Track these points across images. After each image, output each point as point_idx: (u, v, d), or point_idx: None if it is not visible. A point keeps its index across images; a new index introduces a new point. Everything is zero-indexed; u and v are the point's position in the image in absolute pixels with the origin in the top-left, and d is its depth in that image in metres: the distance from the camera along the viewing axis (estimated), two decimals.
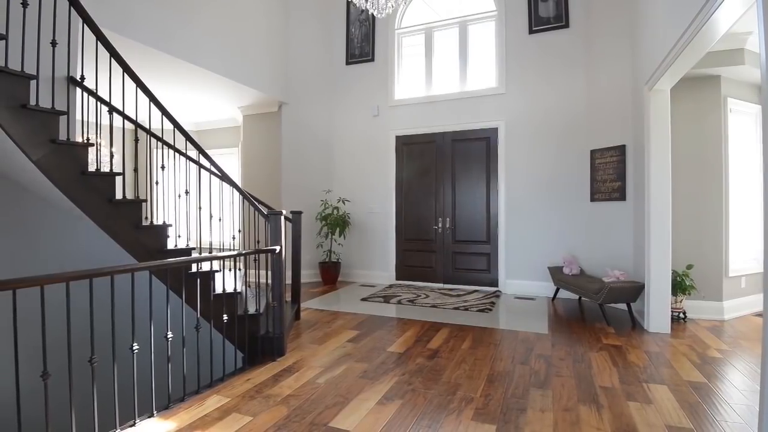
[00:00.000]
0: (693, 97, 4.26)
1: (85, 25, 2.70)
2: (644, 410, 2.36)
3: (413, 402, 2.46)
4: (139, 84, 2.84)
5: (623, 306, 4.50)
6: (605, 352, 3.30)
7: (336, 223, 5.98)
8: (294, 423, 2.22)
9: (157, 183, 3.35)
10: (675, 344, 3.47)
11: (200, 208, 3.51)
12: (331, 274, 6.08)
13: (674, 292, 3.98)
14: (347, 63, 6.45)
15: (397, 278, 6.17)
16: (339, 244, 6.34)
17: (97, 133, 3.47)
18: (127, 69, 2.80)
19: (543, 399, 2.49)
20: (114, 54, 2.77)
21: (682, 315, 4.12)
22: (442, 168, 5.91)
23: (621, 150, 4.57)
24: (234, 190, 3.34)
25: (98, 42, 2.75)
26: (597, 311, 4.51)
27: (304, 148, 6.39)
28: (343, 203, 6.26)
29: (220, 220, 3.89)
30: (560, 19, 5.22)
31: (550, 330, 3.86)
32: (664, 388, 2.66)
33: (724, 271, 4.20)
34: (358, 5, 3.61)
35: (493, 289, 5.60)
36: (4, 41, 2.36)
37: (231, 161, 7.47)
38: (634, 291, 3.97)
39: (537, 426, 2.18)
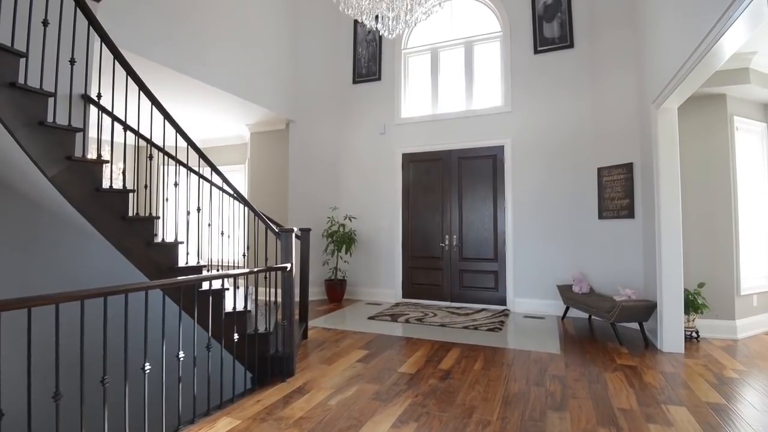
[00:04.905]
0: (699, 116, 4.29)
1: (103, 43, 2.73)
2: None
3: (429, 425, 2.40)
4: (155, 102, 2.87)
5: (635, 325, 4.45)
6: (620, 372, 3.24)
7: (342, 240, 5.96)
8: None
9: (166, 200, 3.35)
10: (690, 364, 3.41)
11: (210, 224, 3.50)
12: (336, 291, 6.03)
13: (686, 311, 3.93)
14: (354, 82, 6.53)
15: (404, 296, 6.11)
16: (345, 261, 6.30)
17: (111, 151, 3.48)
18: (143, 87, 2.83)
19: (561, 422, 2.43)
20: (130, 72, 2.80)
21: (694, 334, 4.06)
22: (449, 185, 5.92)
23: (628, 168, 4.58)
24: (240, 206, 3.34)
25: (115, 61, 2.78)
26: (608, 330, 4.45)
27: (311, 165, 6.41)
28: (350, 220, 6.25)
29: (228, 237, 3.88)
30: (565, 40, 5.30)
31: (563, 350, 3.80)
32: (683, 409, 2.60)
33: (735, 289, 4.16)
34: (368, 26, 3.67)
35: (502, 307, 5.54)
36: (24, 59, 2.38)
37: (237, 178, 7.49)
38: (647, 310, 3.92)
39: None
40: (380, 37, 6.37)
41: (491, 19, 5.87)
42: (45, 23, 2.46)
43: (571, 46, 5.27)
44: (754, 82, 4.03)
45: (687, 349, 3.78)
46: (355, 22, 6.51)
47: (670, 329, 3.74)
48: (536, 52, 5.47)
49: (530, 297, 5.41)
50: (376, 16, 3.55)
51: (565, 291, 4.86)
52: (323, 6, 6.30)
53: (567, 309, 4.97)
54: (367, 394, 2.84)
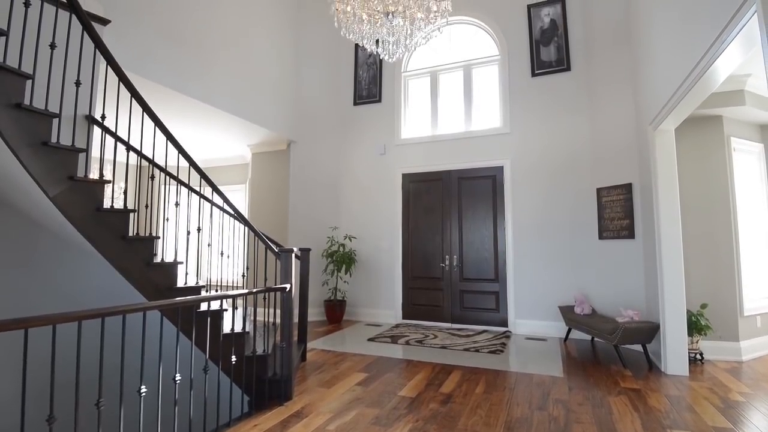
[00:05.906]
0: (697, 137, 4.34)
1: (108, 66, 2.78)
2: None
3: None
4: (158, 123, 2.90)
5: (638, 347, 4.38)
6: (624, 396, 3.18)
7: (342, 260, 5.94)
8: None
9: (167, 219, 3.36)
10: (695, 387, 3.36)
11: (210, 244, 3.49)
12: (336, 312, 5.97)
13: (690, 333, 3.89)
14: (355, 104, 6.62)
15: (404, 317, 6.05)
16: (345, 281, 6.26)
17: (114, 170, 3.50)
18: (147, 109, 2.86)
19: None
20: (135, 94, 2.84)
21: (699, 356, 4.01)
22: (449, 205, 5.94)
23: (627, 188, 4.60)
24: (241, 226, 3.34)
25: (120, 82, 2.82)
26: (611, 352, 4.39)
27: (311, 185, 6.45)
28: (350, 240, 6.24)
29: (228, 257, 3.87)
30: (562, 63, 5.40)
31: (566, 373, 3.74)
32: None
33: (738, 310, 4.12)
34: (369, 50, 3.74)
35: (503, 329, 5.48)
36: (30, 80, 2.42)
37: (238, 197, 7.52)
38: (650, 331, 3.87)
39: None
40: (381, 61, 6.49)
41: (489, 43, 5.99)
42: (52, 46, 2.51)
43: (568, 69, 5.37)
44: (749, 104, 4.08)
45: (691, 371, 3.73)
46: (356, 45, 6.64)
47: (673, 351, 3.69)
48: (534, 74, 5.57)
49: (532, 318, 5.36)
50: (377, 41, 3.63)
51: (566, 312, 4.81)
52: (325, 30, 6.45)
53: (569, 331, 4.92)
54: (367, 418, 2.78)
